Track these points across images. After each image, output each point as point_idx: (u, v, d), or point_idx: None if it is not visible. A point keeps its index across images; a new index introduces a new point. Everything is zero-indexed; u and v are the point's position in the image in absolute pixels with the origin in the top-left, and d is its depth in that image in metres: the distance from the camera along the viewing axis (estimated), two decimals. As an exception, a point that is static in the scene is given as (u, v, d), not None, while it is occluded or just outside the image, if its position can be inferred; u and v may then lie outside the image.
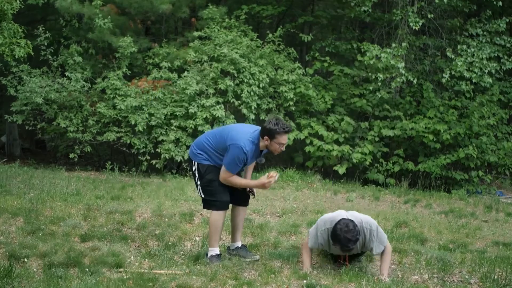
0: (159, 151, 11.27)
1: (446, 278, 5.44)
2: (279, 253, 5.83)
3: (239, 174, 5.44)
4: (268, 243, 6.17)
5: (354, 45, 13.46)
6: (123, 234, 6.10)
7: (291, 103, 12.04)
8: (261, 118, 11.90)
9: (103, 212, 6.93)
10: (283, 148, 5.31)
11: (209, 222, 5.46)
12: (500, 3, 12.46)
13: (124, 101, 11.37)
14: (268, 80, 11.81)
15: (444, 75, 11.97)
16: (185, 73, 11.71)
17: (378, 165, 12.21)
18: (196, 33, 12.49)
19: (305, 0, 16.40)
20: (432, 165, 11.88)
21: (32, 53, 9.50)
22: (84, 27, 12.92)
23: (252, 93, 11.57)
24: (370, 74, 12.29)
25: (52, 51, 12.10)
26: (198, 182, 5.41)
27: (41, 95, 11.27)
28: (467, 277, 5.45)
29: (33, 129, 12.07)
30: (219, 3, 14.90)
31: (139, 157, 11.47)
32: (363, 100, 12.57)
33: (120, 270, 5.08)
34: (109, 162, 11.30)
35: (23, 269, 4.87)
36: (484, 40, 12.38)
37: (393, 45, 12.14)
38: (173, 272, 5.07)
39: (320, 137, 12.09)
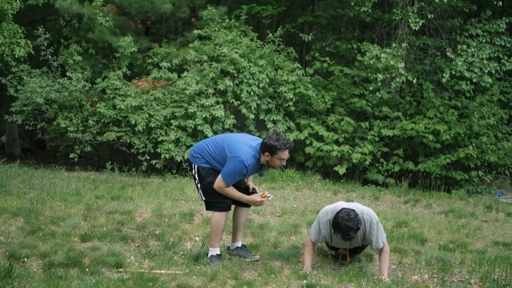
0: (159, 151, 11.27)
1: (446, 278, 5.45)
2: (279, 253, 5.83)
3: (242, 180, 5.45)
4: (268, 243, 6.17)
5: (354, 45, 13.45)
6: (123, 234, 6.10)
7: (290, 103, 12.04)
8: (260, 118, 11.91)
9: (103, 212, 6.93)
10: (284, 163, 5.30)
11: (211, 222, 5.46)
12: (500, 3, 12.47)
13: (124, 101, 11.39)
14: (268, 80, 11.81)
15: (444, 75, 11.96)
16: (185, 73, 11.72)
17: (378, 165, 12.20)
18: (196, 31, 12.51)
19: (305, 0, 16.38)
20: (432, 165, 11.88)
21: (33, 52, 9.50)
22: (84, 27, 12.94)
23: (251, 93, 11.57)
24: (370, 74, 12.29)
25: (52, 51, 12.11)
26: (199, 185, 5.41)
27: (42, 95, 11.29)
28: (467, 277, 5.45)
29: (33, 129, 12.08)
30: (219, 3, 14.91)
31: (139, 157, 11.47)
32: (363, 100, 12.57)
33: (120, 270, 5.09)
34: (109, 162, 11.30)
35: (23, 269, 4.87)
36: (484, 40, 12.38)
37: (393, 45, 12.14)
38: (173, 272, 5.07)
39: (320, 138, 12.09)
